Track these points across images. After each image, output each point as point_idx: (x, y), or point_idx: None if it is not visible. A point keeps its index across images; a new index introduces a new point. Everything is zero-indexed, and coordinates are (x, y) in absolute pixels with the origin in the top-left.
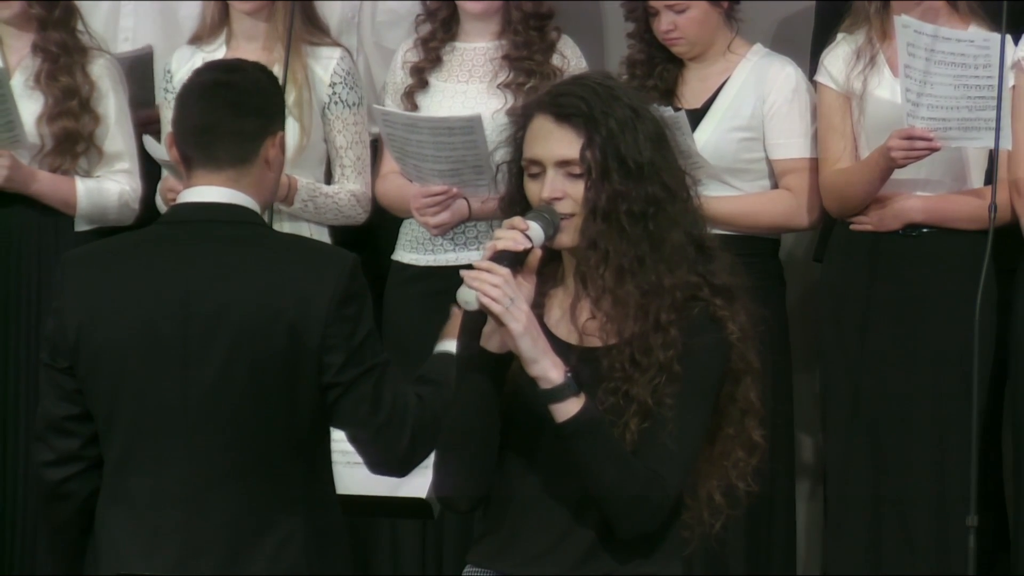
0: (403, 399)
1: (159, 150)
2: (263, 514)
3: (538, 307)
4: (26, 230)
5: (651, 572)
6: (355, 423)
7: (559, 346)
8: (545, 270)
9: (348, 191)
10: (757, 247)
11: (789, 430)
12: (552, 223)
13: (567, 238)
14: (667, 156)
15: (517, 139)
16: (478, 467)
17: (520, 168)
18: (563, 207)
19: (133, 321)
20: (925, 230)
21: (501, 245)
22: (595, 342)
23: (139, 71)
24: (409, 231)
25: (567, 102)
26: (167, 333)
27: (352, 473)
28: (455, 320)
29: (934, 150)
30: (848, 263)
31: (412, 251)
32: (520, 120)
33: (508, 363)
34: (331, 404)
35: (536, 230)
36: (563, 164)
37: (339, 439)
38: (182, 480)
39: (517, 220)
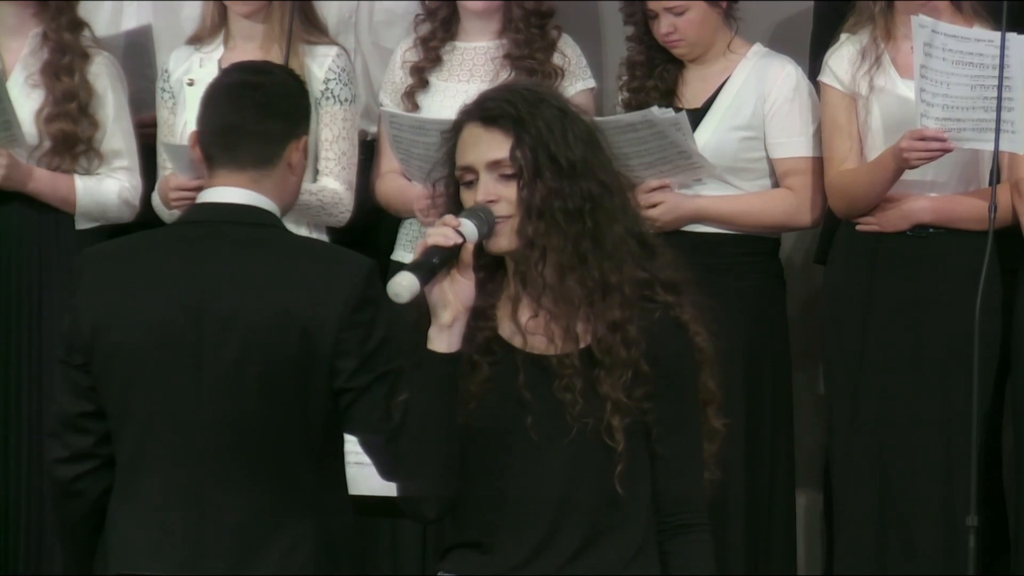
0: None
1: (177, 154)
2: (273, 517)
3: (490, 319)
4: (26, 228)
5: (632, 574)
6: (368, 429)
7: (512, 354)
8: (490, 286)
9: (331, 189)
10: (757, 247)
11: (789, 431)
12: (487, 221)
13: (504, 241)
14: (600, 157)
15: (451, 152)
16: (442, 473)
17: (456, 181)
18: (499, 209)
19: (148, 320)
20: (932, 230)
21: (431, 241)
22: (540, 341)
23: (138, 47)
24: (409, 231)
25: (493, 106)
26: (181, 333)
27: (352, 474)
28: None
29: (947, 151)
30: (852, 264)
31: (412, 251)
32: (451, 134)
33: (457, 361)
34: (344, 409)
35: (469, 226)
36: (494, 166)
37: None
38: (193, 480)
39: (448, 217)
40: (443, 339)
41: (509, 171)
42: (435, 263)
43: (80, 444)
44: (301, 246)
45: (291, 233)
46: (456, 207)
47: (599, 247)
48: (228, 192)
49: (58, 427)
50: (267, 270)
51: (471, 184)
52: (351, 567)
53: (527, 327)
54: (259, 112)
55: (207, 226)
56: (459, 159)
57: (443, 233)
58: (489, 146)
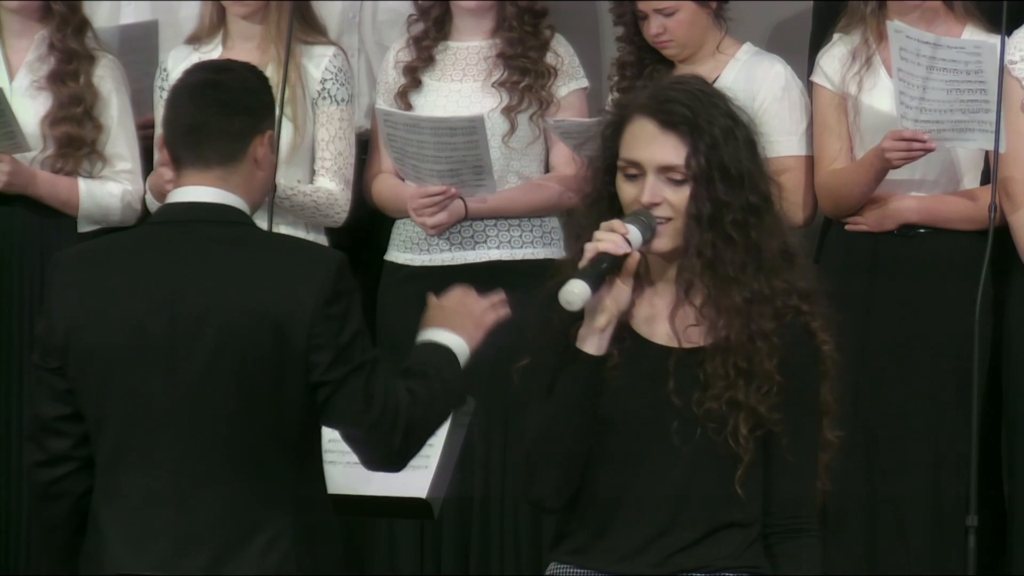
0: (394, 395)
1: None
2: (252, 513)
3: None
4: (29, 231)
5: (742, 566)
6: (347, 421)
7: (646, 347)
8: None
9: (326, 190)
10: None
11: None
12: (650, 227)
13: (664, 243)
14: (760, 164)
15: (612, 138)
16: (571, 468)
17: (610, 166)
18: (660, 211)
19: (121, 322)
20: (922, 230)
21: (603, 247)
22: (693, 337)
23: (143, 43)
24: (403, 231)
25: (673, 109)
26: (155, 333)
27: (352, 473)
28: (435, 309)
29: (929, 151)
30: (844, 264)
31: (406, 251)
32: (616, 118)
33: (603, 364)
34: (322, 403)
35: (635, 233)
36: (665, 170)
37: (338, 439)
38: (172, 479)
39: (616, 223)
40: (594, 341)
41: (679, 177)
42: (604, 269)
43: (58, 447)
44: (271, 242)
45: (261, 230)
46: (606, 191)
47: (757, 260)
48: (196, 191)
49: (35, 431)
50: (238, 267)
51: (633, 178)
52: (330, 563)
53: (687, 335)
54: (221, 110)
55: (177, 226)
56: (626, 151)
57: (613, 240)
58: (663, 149)
